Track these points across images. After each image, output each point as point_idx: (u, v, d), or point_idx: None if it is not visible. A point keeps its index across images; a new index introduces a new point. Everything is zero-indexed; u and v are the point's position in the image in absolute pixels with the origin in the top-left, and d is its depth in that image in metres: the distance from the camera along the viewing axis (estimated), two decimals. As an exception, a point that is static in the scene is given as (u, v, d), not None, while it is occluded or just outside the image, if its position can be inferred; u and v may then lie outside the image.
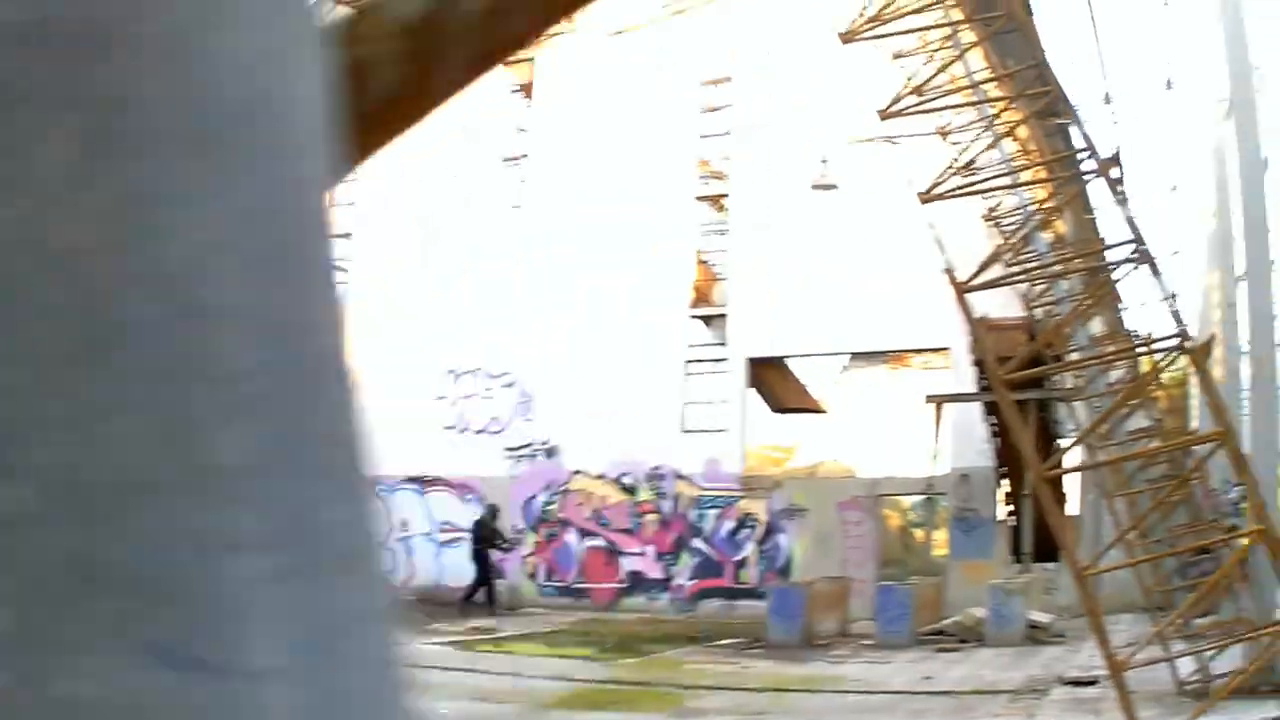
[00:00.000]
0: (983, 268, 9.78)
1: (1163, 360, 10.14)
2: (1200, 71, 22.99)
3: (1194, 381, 30.80)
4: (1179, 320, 9.88)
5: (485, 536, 24.34)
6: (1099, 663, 11.47)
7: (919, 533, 27.20)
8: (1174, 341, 9.83)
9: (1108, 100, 22.06)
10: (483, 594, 23.94)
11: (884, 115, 10.71)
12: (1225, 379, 21.91)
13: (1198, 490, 14.27)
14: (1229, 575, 13.85)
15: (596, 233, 26.03)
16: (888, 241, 21.21)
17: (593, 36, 25.67)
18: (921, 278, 17.53)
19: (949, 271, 9.57)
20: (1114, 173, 10.95)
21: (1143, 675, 12.94)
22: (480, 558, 24.14)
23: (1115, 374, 13.70)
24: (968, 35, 12.30)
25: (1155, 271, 10.56)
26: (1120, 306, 22.71)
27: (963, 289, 9.62)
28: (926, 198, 10.24)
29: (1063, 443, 17.02)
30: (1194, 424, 27.53)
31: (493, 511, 24.93)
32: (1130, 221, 9.65)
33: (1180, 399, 37.39)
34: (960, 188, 10.65)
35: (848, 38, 11.47)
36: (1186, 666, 13.02)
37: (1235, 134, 15.40)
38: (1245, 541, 8.85)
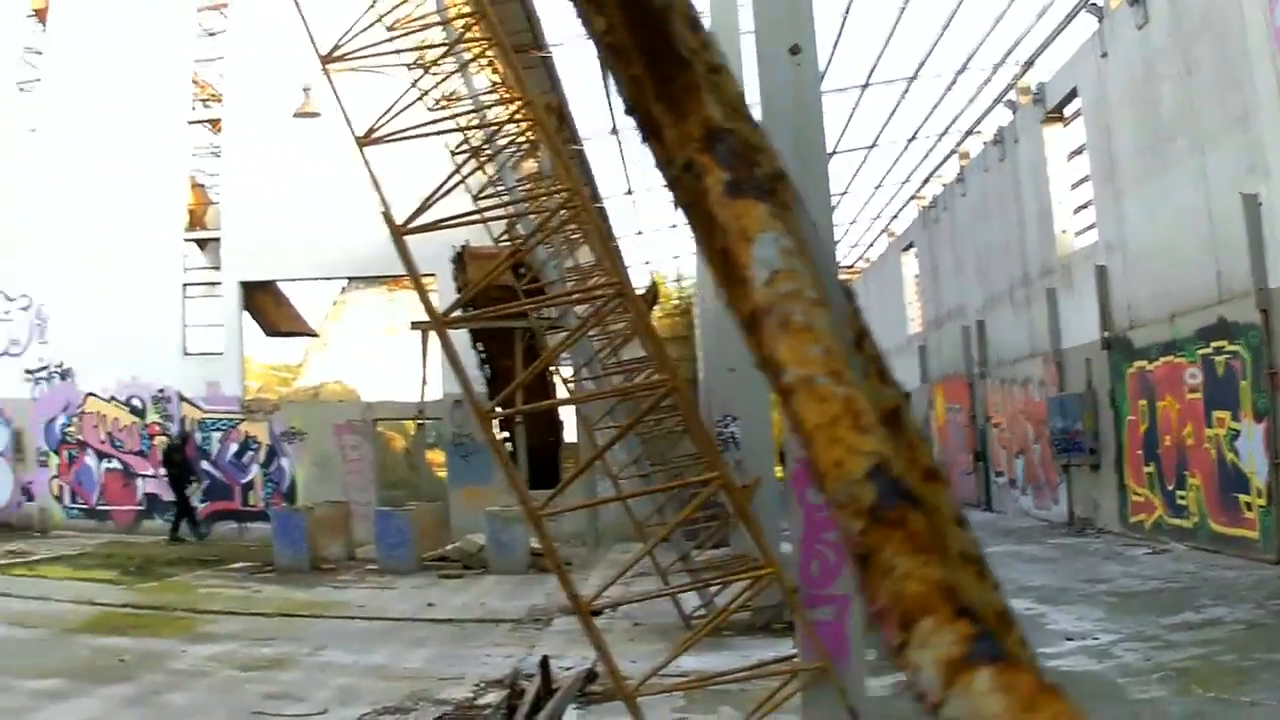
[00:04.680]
0: (421, 209, 9.78)
1: (606, 304, 10.18)
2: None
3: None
4: (620, 265, 10.18)
5: (176, 463, 23.83)
6: (609, 593, 11.26)
7: (429, 455, 27.41)
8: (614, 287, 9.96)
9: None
10: (186, 526, 23.69)
11: (325, 60, 10.60)
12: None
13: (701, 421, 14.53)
14: (712, 513, 14.17)
15: (105, 156, 25.40)
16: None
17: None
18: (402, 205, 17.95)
19: (385, 214, 9.51)
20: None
21: (651, 608, 13.30)
22: (176, 487, 23.72)
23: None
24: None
25: (600, 218, 10.99)
26: (613, 239, 23.52)
27: (401, 231, 9.61)
28: (365, 141, 10.19)
29: (566, 372, 17.33)
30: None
31: (183, 438, 24.45)
32: (568, 167, 9.79)
33: (686, 327, 39.53)
34: (410, 129, 10.58)
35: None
36: (694, 600, 13.29)
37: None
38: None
